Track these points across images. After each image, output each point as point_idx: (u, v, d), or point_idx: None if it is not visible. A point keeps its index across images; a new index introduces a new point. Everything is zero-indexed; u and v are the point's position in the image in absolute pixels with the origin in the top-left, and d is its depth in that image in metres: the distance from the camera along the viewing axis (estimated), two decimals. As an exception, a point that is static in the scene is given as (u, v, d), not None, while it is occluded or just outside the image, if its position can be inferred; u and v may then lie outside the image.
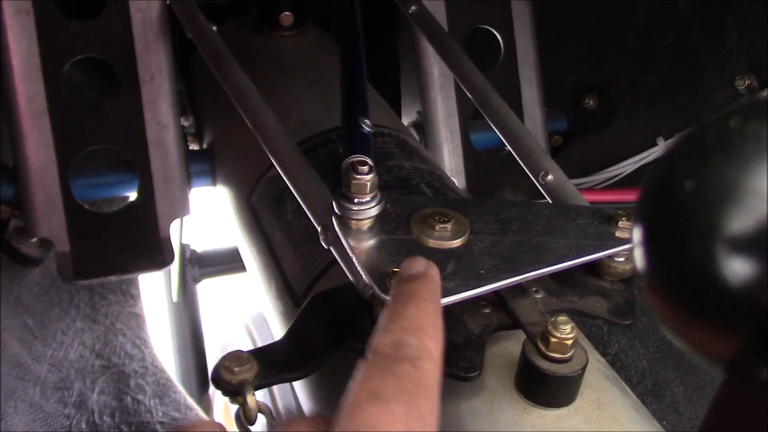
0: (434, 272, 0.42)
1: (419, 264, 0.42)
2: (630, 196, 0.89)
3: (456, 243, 0.48)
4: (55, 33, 0.77)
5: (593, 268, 0.52)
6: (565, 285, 0.52)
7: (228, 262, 1.22)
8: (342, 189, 0.49)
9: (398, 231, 0.49)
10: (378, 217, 0.49)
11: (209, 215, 1.13)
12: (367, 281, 0.46)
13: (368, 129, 0.59)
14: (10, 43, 0.76)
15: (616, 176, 0.96)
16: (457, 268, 0.47)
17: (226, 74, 0.68)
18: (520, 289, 0.49)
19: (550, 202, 0.59)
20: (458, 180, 0.93)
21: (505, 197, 0.96)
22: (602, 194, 0.92)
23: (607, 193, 0.92)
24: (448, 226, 0.49)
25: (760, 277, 0.17)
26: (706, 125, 0.18)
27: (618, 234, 0.51)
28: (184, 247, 1.15)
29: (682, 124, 0.92)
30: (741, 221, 0.17)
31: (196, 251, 1.22)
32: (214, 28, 0.75)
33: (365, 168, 0.48)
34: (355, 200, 0.48)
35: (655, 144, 0.94)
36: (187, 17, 0.76)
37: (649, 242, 0.19)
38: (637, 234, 0.20)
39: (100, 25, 0.79)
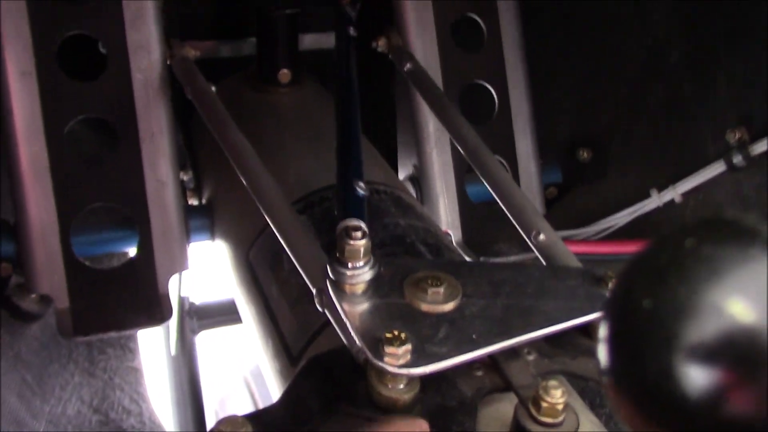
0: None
1: None
2: (624, 248, 0.90)
3: (448, 307, 0.49)
4: (58, 94, 0.79)
5: (585, 328, 0.53)
6: (556, 346, 0.52)
7: (226, 313, 1.22)
8: (336, 254, 0.50)
9: (392, 295, 0.50)
10: (372, 281, 0.50)
11: (207, 266, 1.13)
12: (360, 346, 0.47)
13: (363, 192, 0.61)
14: (14, 104, 0.77)
15: (610, 228, 0.97)
16: (449, 333, 0.47)
17: (224, 135, 0.70)
18: (512, 350, 0.50)
19: (542, 261, 0.60)
20: (454, 233, 0.95)
21: (501, 249, 0.97)
22: (596, 246, 0.93)
23: (601, 245, 0.93)
24: (441, 290, 0.50)
25: (715, 390, 0.17)
26: (663, 243, 0.19)
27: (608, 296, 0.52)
28: (182, 300, 1.16)
29: (674, 177, 0.93)
30: (695, 338, 0.18)
31: (194, 303, 1.22)
32: (213, 88, 0.77)
33: (359, 234, 0.49)
34: (349, 265, 0.49)
35: (648, 195, 0.95)
36: (186, 78, 0.78)
37: (611, 355, 0.20)
38: (601, 345, 0.21)
39: (102, 86, 0.81)
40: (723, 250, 0.18)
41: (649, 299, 0.18)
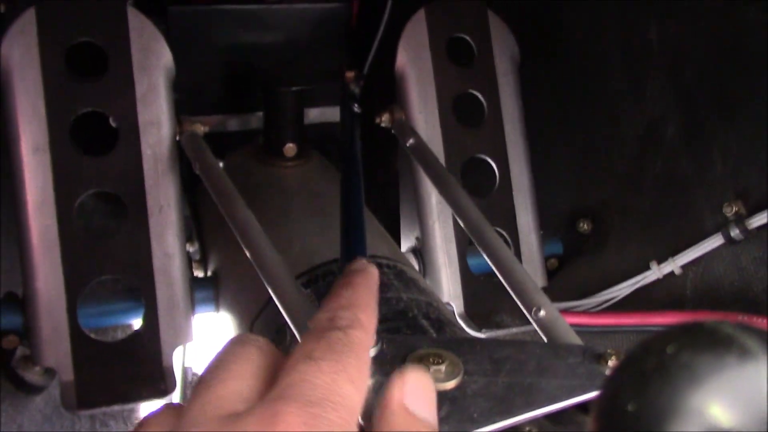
0: (372, 268, 0.50)
1: (359, 263, 0.51)
2: (624, 320, 0.90)
3: (450, 385, 0.50)
4: (70, 169, 0.81)
5: (584, 405, 0.54)
6: (557, 423, 0.53)
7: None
8: (340, 332, 0.51)
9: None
10: (375, 359, 0.51)
11: (211, 337, 1.14)
12: (362, 424, 0.47)
13: (366, 269, 0.62)
14: (26, 179, 0.79)
15: (611, 299, 0.98)
16: (450, 412, 0.48)
17: (230, 210, 0.71)
18: (513, 428, 0.51)
19: (543, 338, 0.61)
20: (456, 304, 0.95)
21: (502, 320, 0.98)
22: (597, 317, 0.93)
23: (602, 317, 0.93)
24: (442, 367, 0.51)
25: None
26: (647, 349, 0.21)
27: (608, 373, 0.52)
28: (185, 370, 1.16)
29: (673, 249, 0.94)
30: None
31: (197, 374, 1.22)
32: (221, 164, 0.79)
33: (362, 312, 0.50)
34: (353, 344, 0.50)
35: (648, 267, 0.96)
36: (195, 154, 0.80)
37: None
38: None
39: (113, 161, 0.83)
40: (702, 357, 0.19)
41: (633, 403, 0.19)
